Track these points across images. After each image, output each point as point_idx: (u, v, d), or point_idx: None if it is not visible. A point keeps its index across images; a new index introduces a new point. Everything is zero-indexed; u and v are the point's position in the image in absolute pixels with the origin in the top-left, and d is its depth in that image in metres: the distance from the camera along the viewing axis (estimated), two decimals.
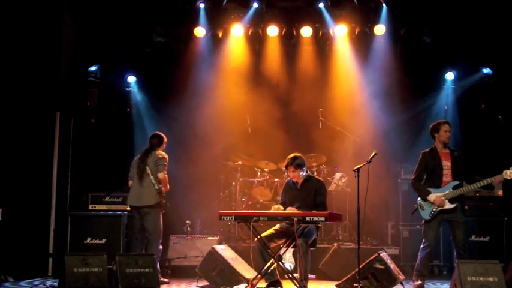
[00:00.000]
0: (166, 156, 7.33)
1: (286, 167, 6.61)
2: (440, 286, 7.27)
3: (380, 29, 9.47)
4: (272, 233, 6.48)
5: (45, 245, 8.20)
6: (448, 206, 6.42)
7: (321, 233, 8.56)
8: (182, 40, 9.78)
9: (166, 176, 7.26)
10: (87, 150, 8.95)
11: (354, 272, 6.38)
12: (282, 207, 6.50)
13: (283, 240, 6.37)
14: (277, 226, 6.56)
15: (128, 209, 8.39)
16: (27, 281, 7.48)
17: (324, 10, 9.47)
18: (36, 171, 8.19)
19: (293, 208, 6.37)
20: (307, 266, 6.18)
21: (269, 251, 6.19)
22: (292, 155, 6.60)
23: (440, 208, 6.42)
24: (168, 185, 7.31)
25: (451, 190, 6.43)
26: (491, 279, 5.71)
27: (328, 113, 9.43)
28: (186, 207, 9.29)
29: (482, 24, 9.04)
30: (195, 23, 9.56)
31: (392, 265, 6.53)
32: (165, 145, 7.49)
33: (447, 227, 6.60)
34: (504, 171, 6.27)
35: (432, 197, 6.44)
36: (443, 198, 6.41)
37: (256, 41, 9.91)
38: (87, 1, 9.04)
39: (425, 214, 6.52)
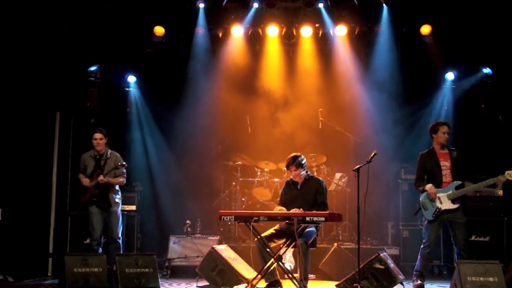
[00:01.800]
0: (82, 156, 7.50)
1: (287, 166, 6.62)
2: (440, 286, 7.27)
3: (380, 29, 9.47)
4: (272, 233, 6.48)
5: (45, 245, 8.21)
6: (451, 206, 6.42)
7: (321, 233, 8.56)
8: (182, 40, 9.77)
9: (79, 175, 7.40)
10: (87, 150, 8.92)
11: (354, 272, 6.38)
12: (284, 209, 6.49)
13: (283, 240, 6.37)
14: (277, 226, 6.56)
15: (127, 209, 8.42)
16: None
17: (323, 10, 9.47)
18: (36, 171, 8.20)
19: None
20: (307, 266, 6.18)
21: (269, 251, 6.19)
22: (293, 154, 6.62)
23: (444, 208, 6.42)
24: (84, 184, 7.29)
25: (454, 190, 6.43)
26: (491, 279, 5.72)
27: (328, 113, 9.43)
28: (186, 207, 9.31)
29: (482, 24, 9.03)
30: (195, 23, 9.56)
31: (392, 265, 6.53)
32: (92, 141, 7.45)
33: (447, 227, 6.60)
34: (506, 172, 6.27)
35: (428, 185, 6.48)
36: (439, 192, 6.42)
37: (256, 41, 9.91)
38: (87, 1, 9.04)
39: (429, 214, 6.52)
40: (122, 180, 7.39)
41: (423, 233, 6.61)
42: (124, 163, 7.38)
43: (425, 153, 6.74)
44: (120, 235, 7.30)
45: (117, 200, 7.34)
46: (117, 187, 7.41)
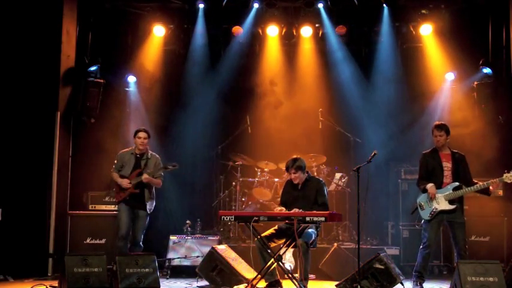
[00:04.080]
0: (119, 154, 7.38)
1: (287, 169, 6.59)
2: (440, 286, 7.27)
3: (380, 29, 9.48)
4: (272, 233, 6.48)
5: (45, 245, 8.19)
6: (448, 207, 6.42)
7: (321, 233, 8.55)
8: (182, 40, 9.77)
9: (112, 173, 7.29)
10: (87, 150, 8.94)
11: (354, 272, 6.38)
12: (284, 209, 6.48)
13: (283, 240, 6.37)
14: (277, 226, 6.56)
15: None
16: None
17: (323, 10, 9.46)
18: (36, 171, 8.19)
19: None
20: (307, 266, 6.18)
21: (269, 251, 6.19)
22: (293, 157, 6.60)
23: (440, 209, 6.42)
24: (117, 183, 7.19)
25: (451, 191, 6.43)
26: (491, 279, 5.73)
27: (328, 113, 9.43)
28: (186, 207, 9.31)
29: (483, 24, 9.04)
30: (195, 23, 9.55)
31: (392, 265, 6.53)
32: (136, 140, 7.32)
33: (447, 228, 6.60)
34: (504, 175, 6.27)
35: (429, 184, 6.46)
36: (437, 193, 6.41)
37: (256, 41, 9.91)
38: (87, 1, 9.04)
39: (425, 214, 6.52)
40: (160, 182, 7.32)
41: (422, 234, 6.60)
42: (173, 165, 7.29)
43: (428, 152, 6.73)
44: (141, 240, 7.24)
45: (149, 207, 7.26)
46: (153, 194, 7.33)
